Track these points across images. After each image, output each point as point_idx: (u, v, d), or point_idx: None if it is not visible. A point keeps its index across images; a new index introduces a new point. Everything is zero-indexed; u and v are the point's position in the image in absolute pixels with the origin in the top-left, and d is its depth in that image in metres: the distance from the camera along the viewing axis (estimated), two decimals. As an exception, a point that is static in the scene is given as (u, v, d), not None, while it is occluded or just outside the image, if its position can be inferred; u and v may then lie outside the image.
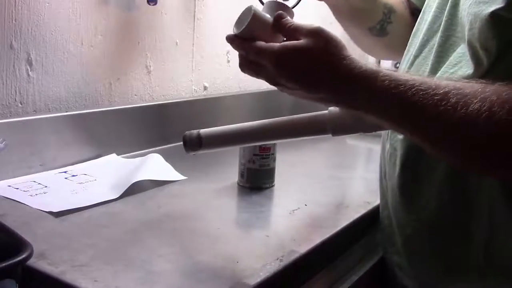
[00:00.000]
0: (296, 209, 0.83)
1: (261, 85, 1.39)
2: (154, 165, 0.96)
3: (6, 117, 0.90)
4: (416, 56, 0.75)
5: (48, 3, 0.94)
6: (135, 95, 1.15)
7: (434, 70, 0.70)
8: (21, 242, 0.54)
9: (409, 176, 0.73)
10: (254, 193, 0.90)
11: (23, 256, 0.51)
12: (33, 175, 0.89)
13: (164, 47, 1.18)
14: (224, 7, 1.31)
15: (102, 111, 1.03)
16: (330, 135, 0.73)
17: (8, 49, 0.90)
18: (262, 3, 0.77)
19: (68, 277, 0.57)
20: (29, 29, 0.92)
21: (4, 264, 0.49)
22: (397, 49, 0.87)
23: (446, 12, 0.71)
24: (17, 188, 0.83)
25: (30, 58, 0.93)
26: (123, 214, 0.77)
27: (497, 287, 0.70)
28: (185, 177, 0.94)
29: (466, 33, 0.63)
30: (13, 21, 0.89)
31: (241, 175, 0.93)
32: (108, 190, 0.84)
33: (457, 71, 0.66)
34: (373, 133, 0.74)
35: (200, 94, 1.31)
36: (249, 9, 0.64)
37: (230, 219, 0.83)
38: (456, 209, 0.69)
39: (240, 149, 0.92)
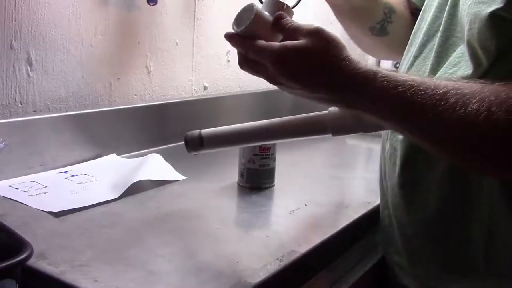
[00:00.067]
0: (296, 209, 0.83)
1: (261, 85, 1.40)
2: (154, 165, 0.96)
3: (6, 117, 0.90)
4: (416, 56, 0.75)
5: (48, 3, 0.94)
6: (135, 95, 1.15)
7: (434, 70, 0.70)
8: (21, 242, 0.54)
9: (409, 176, 0.73)
10: (254, 193, 0.90)
11: (23, 256, 0.51)
12: (33, 175, 0.89)
13: (164, 47, 1.18)
14: (224, 7, 1.31)
15: (102, 111, 1.03)
16: (330, 135, 0.73)
17: (8, 49, 0.90)
18: (261, 1, 0.76)
19: (68, 277, 0.57)
20: (29, 29, 0.92)
21: (4, 264, 0.49)
22: (397, 49, 0.87)
23: (445, 12, 0.71)
24: (17, 188, 0.83)
25: (30, 58, 0.93)
26: (123, 214, 0.77)
27: (497, 287, 0.70)
28: (185, 177, 0.94)
29: (466, 33, 0.63)
30: (13, 21, 0.89)
31: (241, 175, 0.93)
32: (108, 190, 0.84)
33: (457, 71, 0.66)
34: (373, 133, 0.74)
35: (200, 94, 1.31)
36: (250, 7, 0.63)
37: (230, 219, 0.83)
38: (456, 209, 0.70)
39: (240, 149, 0.92)
